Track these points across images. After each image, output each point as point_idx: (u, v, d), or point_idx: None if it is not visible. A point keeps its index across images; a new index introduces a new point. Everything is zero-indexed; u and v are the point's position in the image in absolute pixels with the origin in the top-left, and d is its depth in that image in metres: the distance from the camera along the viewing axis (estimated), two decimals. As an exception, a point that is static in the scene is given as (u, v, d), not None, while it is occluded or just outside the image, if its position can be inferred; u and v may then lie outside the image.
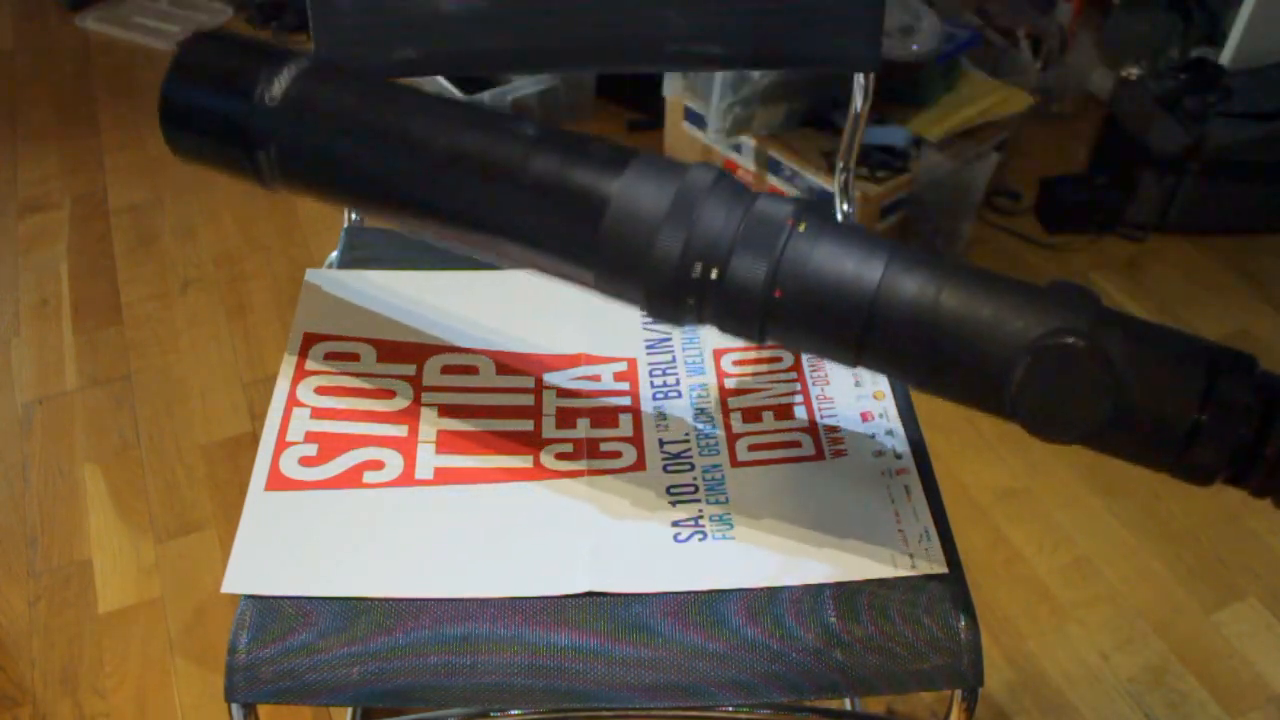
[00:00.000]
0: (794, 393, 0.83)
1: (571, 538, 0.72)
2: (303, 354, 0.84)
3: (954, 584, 0.69)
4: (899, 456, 0.77)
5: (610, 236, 0.61)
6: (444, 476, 0.76)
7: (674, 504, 0.74)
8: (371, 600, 0.68)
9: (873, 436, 0.79)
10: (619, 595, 0.69)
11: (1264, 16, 1.78)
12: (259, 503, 0.73)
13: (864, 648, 0.67)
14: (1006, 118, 1.72)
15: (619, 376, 0.85)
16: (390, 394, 0.81)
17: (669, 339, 0.88)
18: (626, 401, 0.82)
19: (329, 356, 0.84)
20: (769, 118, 1.67)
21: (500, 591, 0.68)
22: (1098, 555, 1.29)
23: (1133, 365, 0.53)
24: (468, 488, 0.75)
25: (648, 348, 0.87)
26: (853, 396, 0.82)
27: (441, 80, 1.89)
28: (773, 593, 0.69)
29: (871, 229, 1.59)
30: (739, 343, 0.87)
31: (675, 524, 0.73)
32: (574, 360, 0.86)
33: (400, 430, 0.79)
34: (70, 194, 1.83)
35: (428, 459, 0.77)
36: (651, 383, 0.84)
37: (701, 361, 0.86)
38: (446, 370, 0.84)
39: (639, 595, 0.69)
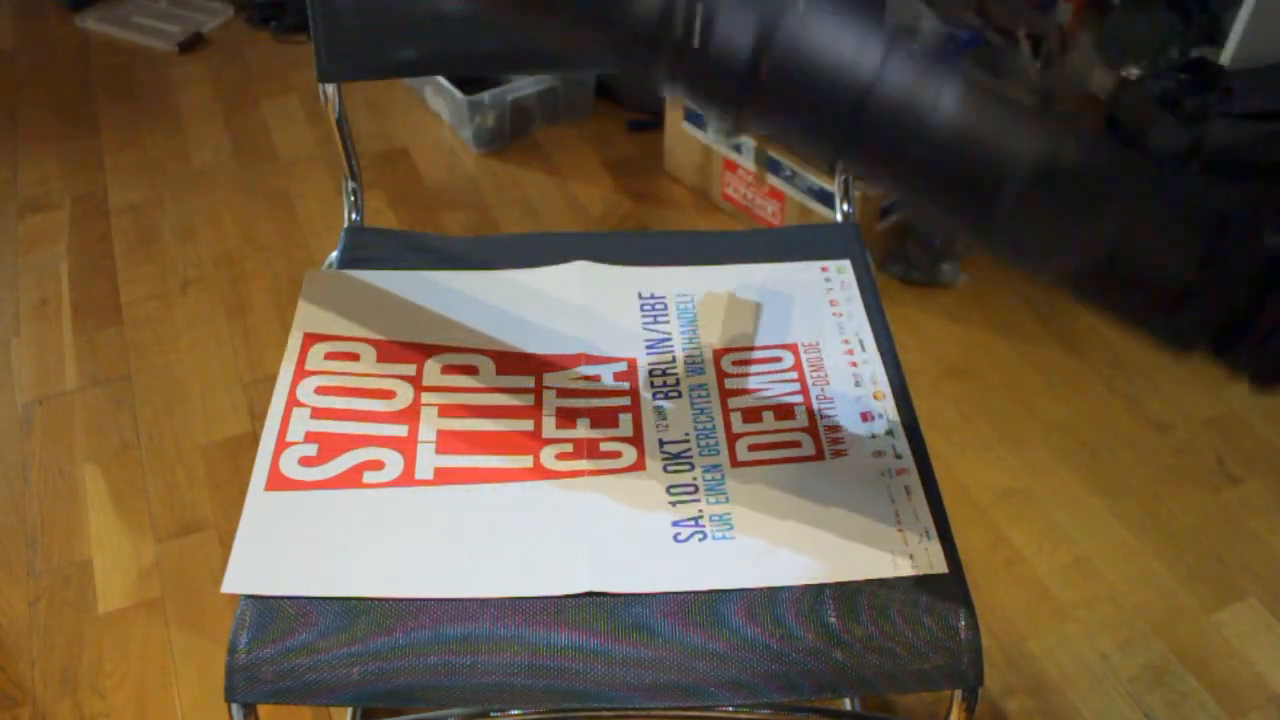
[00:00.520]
0: (794, 393, 0.83)
1: (571, 538, 0.72)
2: (303, 354, 0.84)
3: (954, 584, 0.69)
4: (899, 456, 0.77)
5: None
6: (444, 476, 0.76)
7: (674, 504, 0.74)
8: (371, 600, 0.68)
9: (873, 436, 0.79)
10: (619, 595, 0.69)
11: (1264, 16, 1.78)
12: (259, 503, 0.73)
13: (864, 647, 0.67)
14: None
15: (619, 376, 0.84)
16: (390, 394, 0.81)
17: (669, 339, 0.88)
18: (626, 401, 0.82)
19: (329, 356, 0.84)
20: (769, 118, 1.67)
21: (500, 591, 0.68)
22: (1098, 555, 1.29)
23: (1137, 207, 0.50)
24: (468, 488, 0.75)
25: (648, 348, 0.87)
26: (853, 396, 0.82)
27: (441, 80, 1.89)
28: (773, 593, 0.69)
29: (871, 229, 1.59)
30: (739, 343, 0.87)
31: (675, 524, 0.73)
32: (574, 360, 0.86)
33: (400, 430, 0.79)
34: (70, 194, 1.83)
35: (428, 459, 0.77)
36: (651, 383, 0.84)
37: (701, 361, 0.86)
38: (446, 370, 0.84)
39: (639, 595, 0.69)
